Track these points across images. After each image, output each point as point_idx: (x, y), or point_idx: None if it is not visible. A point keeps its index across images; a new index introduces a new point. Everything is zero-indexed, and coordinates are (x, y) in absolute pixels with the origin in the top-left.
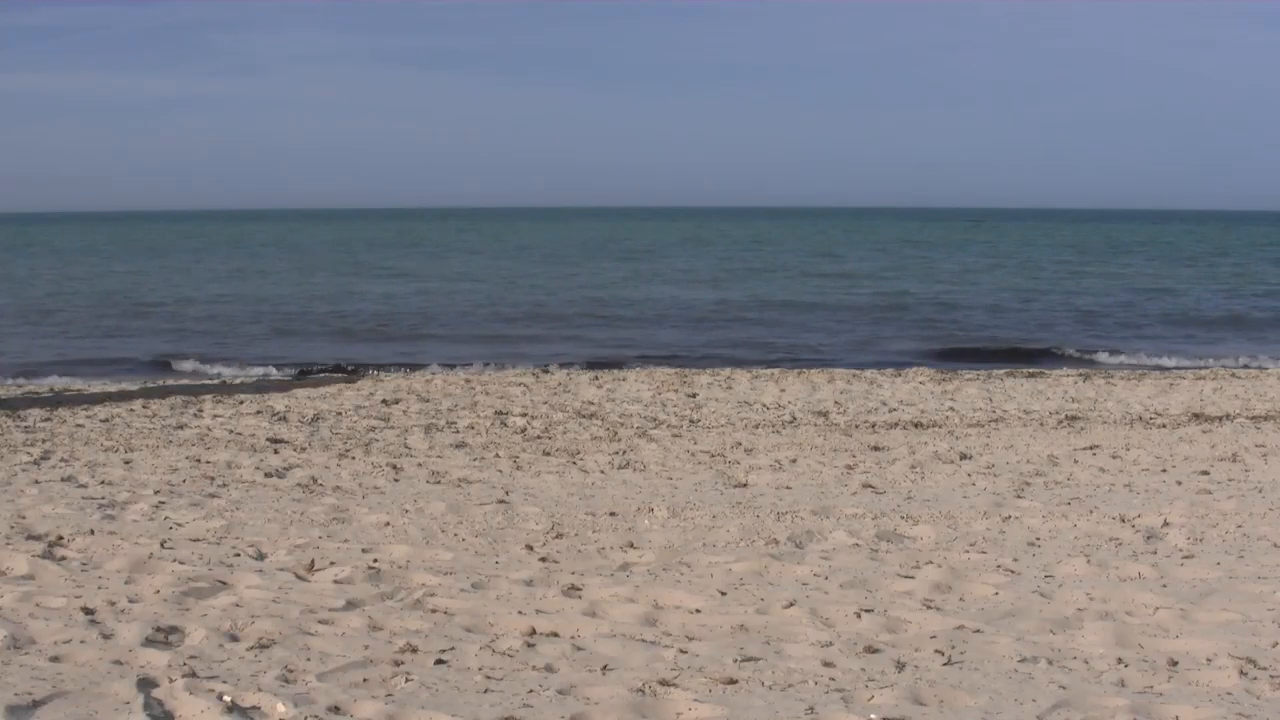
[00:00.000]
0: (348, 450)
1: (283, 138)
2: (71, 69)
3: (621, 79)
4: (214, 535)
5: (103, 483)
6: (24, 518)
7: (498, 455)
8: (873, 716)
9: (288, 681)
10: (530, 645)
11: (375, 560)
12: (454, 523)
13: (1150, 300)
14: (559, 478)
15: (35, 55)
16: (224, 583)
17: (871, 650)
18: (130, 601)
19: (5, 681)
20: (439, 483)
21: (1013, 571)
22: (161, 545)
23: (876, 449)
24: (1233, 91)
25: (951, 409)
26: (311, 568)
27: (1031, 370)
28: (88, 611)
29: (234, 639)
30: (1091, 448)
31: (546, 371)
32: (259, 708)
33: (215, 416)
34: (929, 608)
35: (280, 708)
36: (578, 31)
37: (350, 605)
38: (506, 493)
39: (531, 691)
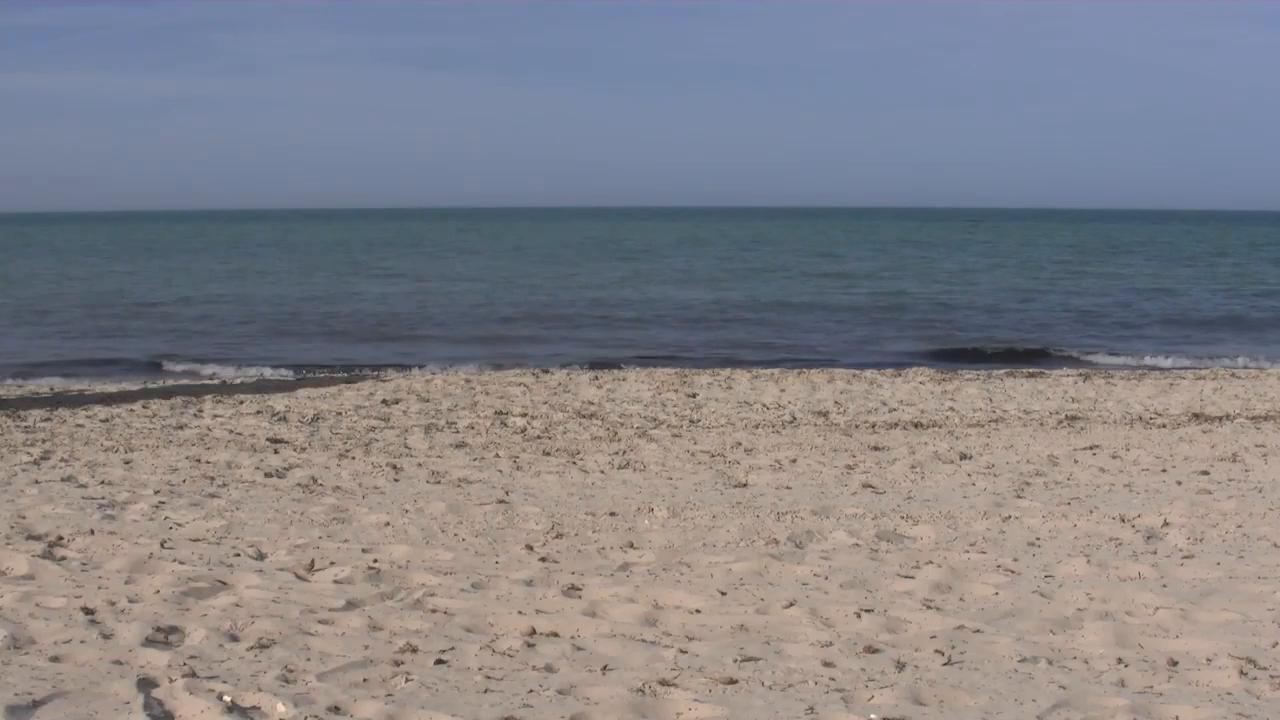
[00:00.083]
0: (348, 450)
1: (283, 138)
2: (71, 69)
3: (621, 79)
4: (214, 535)
5: (103, 483)
6: (24, 518)
7: (498, 455)
8: (873, 716)
9: (288, 681)
10: (530, 645)
11: (375, 560)
12: (454, 523)
13: (1149, 301)
14: (559, 478)
15: (35, 55)
16: (224, 583)
17: (871, 650)
18: (130, 601)
19: (5, 681)
20: (439, 483)
21: (1013, 571)
22: (161, 545)
23: (876, 449)
24: (1233, 91)
25: (951, 409)
26: (311, 568)
27: (1031, 370)
28: (88, 611)
29: (234, 639)
30: (1091, 448)
31: (546, 372)
32: (259, 708)
33: (215, 416)
34: (929, 608)
35: (280, 708)
36: (578, 31)
37: (350, 605)
38: (506, 493)
39: (531, 691)
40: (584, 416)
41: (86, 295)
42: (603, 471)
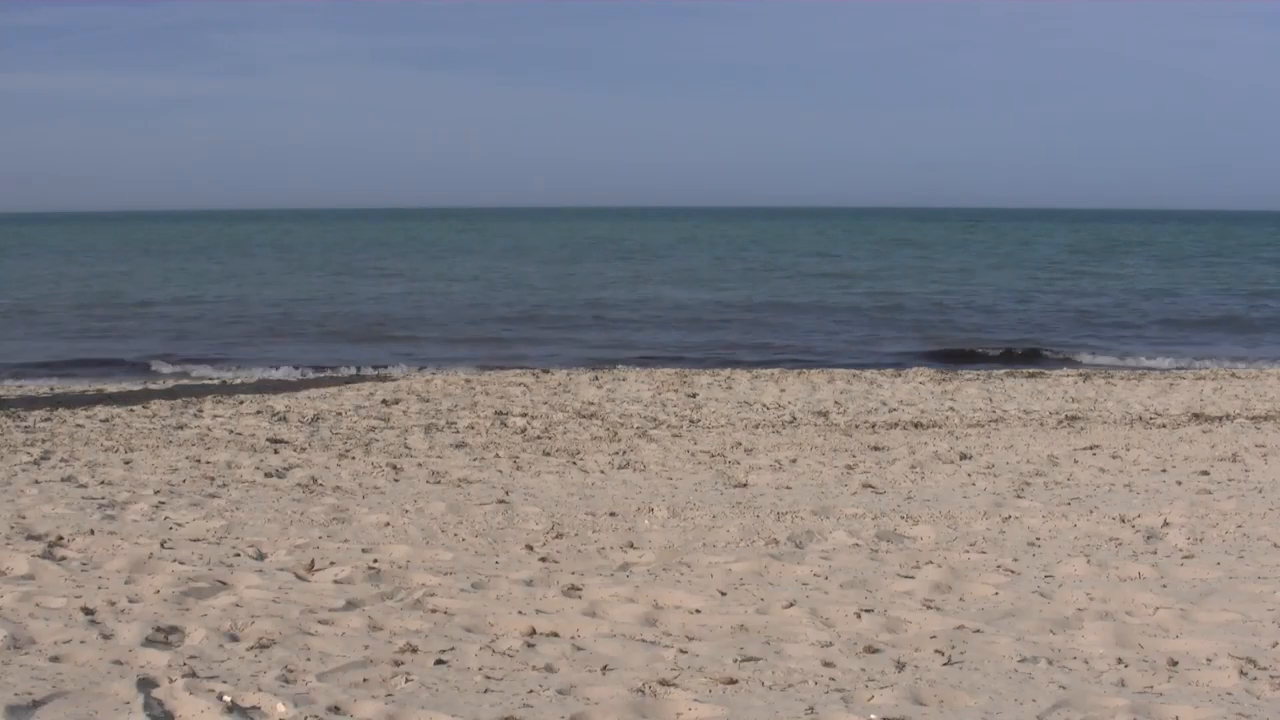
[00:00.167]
0: (348, 450)
1: (283, 138)
2: (71, 69)
3: (621, 79)
4: (214, 535)
5: (103, 483)
6: (24, 518)
7: (498, 455)
8: (873, 716)
9: (288, 681)
10: (530, 645)
11: (375, 560)
12: (454, 523)
13: (1148, 301)
14: (559, 478)
15: (35, 55)
16: (224, 583)
17: (871, 650)
18: (130, 601)
19: (5, 681)
20: (439, 483)
21: (1013, 571)
22: (161, 545)
23: (876, 449)
24: (1233, 91)
25: (951, 409)
26: (311, 568)
27: (1031, 370)
28: (88, 611)
29: (234, 639)
30: (1091, 448)
31: (546, 372)
32: (259, 708)
33: (215, 416)
34: (929, 608)
35: (280, 708)
36: (578, 31)
37: (350, 605)
38: (506, 493)
39: (531, 691)
40: (584, 416)
41: (85, 295)
42: (603, 471)
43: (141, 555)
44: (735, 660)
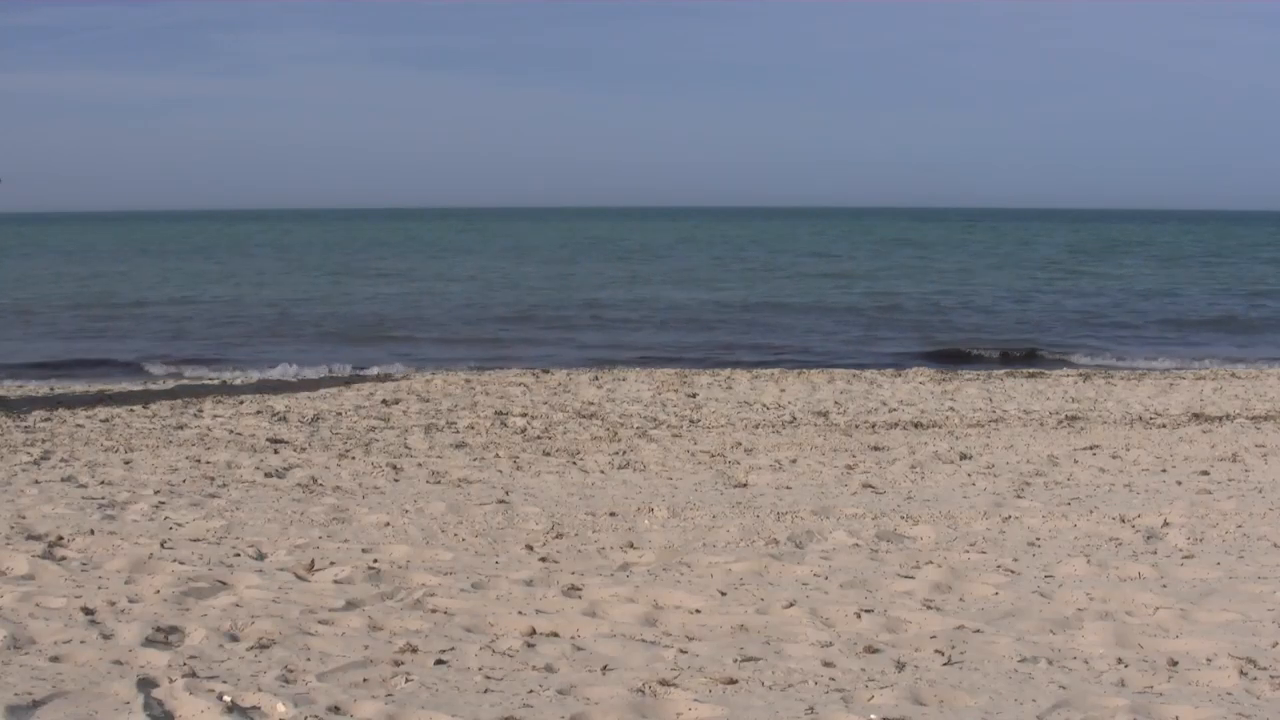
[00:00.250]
0: (348, 450)
1: (283, 138)
2: (71, 69)
3: (621, 79)
4: (214, 535)
5: (103, 483)
6: (24, 518)
7: (498, 455)
8: (873, 716)
9: (288, 681)
10: (530, 645)
11: (375, 560)
12: (454, 523)
13: (1147, 301)
14: (559, 478)
15: (35, 55)
16: (224, 583)
17: (871, 650)
18: (130, 601)
19: (5, 681)
20: (439, 483)
21: (1013, 571)
22: (161, 545)
23: (876, 449)
24: (1233, 91)
25: (951, 409)
26: (311, 568)
27: (1031, 370)
28: (88, 611)
29: (234, 639)
30: (1091, 448)
31: (546, 372)
32: (259, 708)
33: (215, 416)
34: (929, 608)
35: (280, 708)
36: (578, 31)
37: (350, 605)
38: (506, 493)
39: (531, 691)
40: (584, 416)
41: (83, 296)
42: (603, 471)
43: (141, 555)
44: (735, 660)
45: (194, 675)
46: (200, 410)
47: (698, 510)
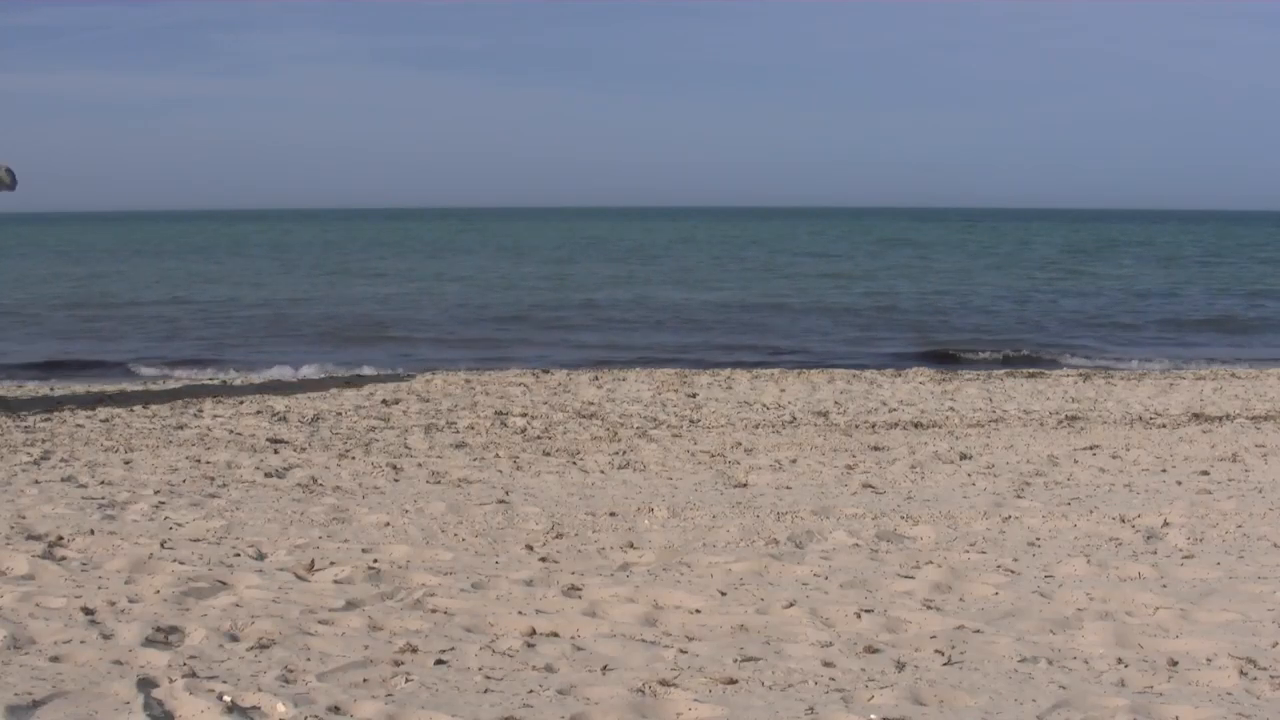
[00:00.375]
0: (348, 450)
1: (283, 138)
2: (71, 69)
3: (621, 79)
4: (214, 535)
5: (103, 483)
6: (24, 518)
7: (498, 455)
8: (873, 716)
9: (288, 681)
10: (530, 645)
11: (375, 560)
12: (454, 523)
13: (1146, 301)
14: (559, 478)
15: (35, 55)
16: (224, 583)
17: (871, 650)
18: (130, 601)
19: (5, 681)
20: (439, 483)
21: (1013, 571)
22: (161, 545)
23: (876, 449)
24: (1233, 91)
25: (951, 409)
26: (311, 568)
27: (1031, 370)
28: (88, 611)
29: (234, 639)
30: (1091, 448)
31: (546, 372)
32: (259, 708)
33: (215, 416)
34: (929, 608)
35: (280, 708)
36: (578, 31)
37: (350, 605)
38: (506, 493)
39: (531, 691)
40: (584, 416)
41: (80, 296)
42: (603, 471)
43: (141, 555)
44: (735, 660)
45: (194, 675)
46: (200, 410)
47: (698, 510)
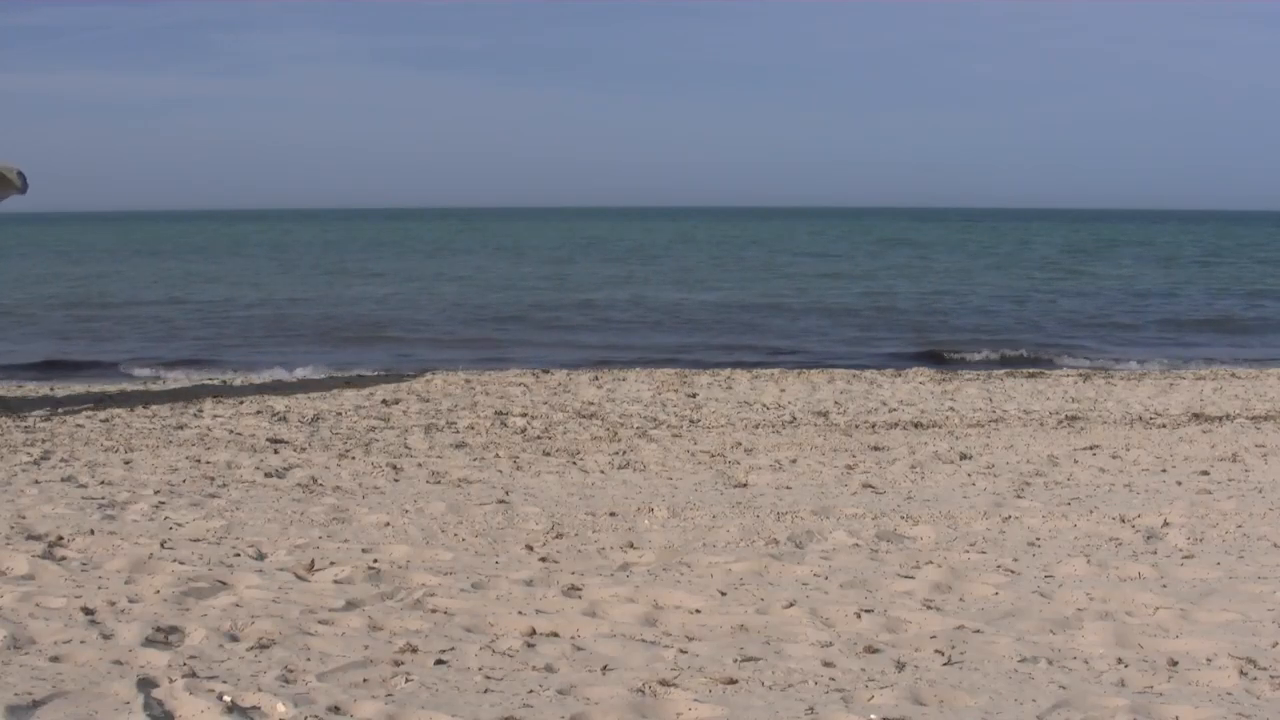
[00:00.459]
0: (348, 450)
1: (283, 138)
2: (71, 69)
3: (621, 79)
4: (214, 535)
5: (103, 483)
6: (24, 518)
7: (498, 455)
8: (873, 716)
9: (288, 681)
10: (530, 645)
11: (375, 560)
12: (454, 523)
13: (1146, 301)
14: (559, 478)
15: (35, 55)
16: (224, 583)
17: (871, 650)
18: (130, 601)
19: (5, 681)
20: (439, 483)
21: (1013, 571)
22: (161, 545)
23: (876, 449)
24: (1233, 91)
25: (951, 409)
26: (311, 568)
27: (1031, 370)
28: (88, 611)
29: (234, 639)
30: (1091, 448)
31: (546, 372)
32: (259, 708)
33: (215, 416)
34: (929, 608)
35: (280, 708)
36: (578, 31)
37: (350, 605)
38: (506, 493)
39: (531, 691)
40: (584, 416)
41: (79, 296)
42: (603, 471)
43: (141, 555)
44: (735, 660)
45: (194, 675)
46: (200, 410)
47: (698, 510)
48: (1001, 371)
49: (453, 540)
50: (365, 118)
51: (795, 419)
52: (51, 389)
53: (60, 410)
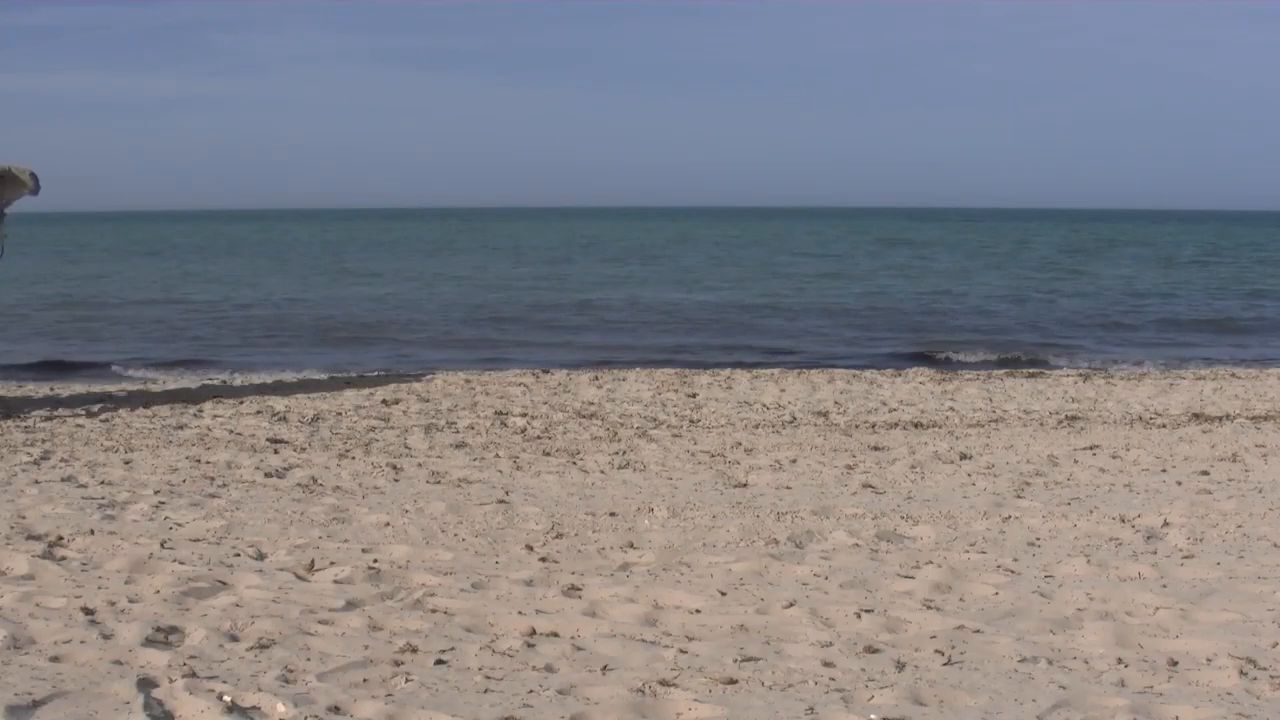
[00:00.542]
0: (348, 450)
1: (283, 138)
2: (71, 69)
3: (621, 79)
4: (214, 535)
5: (103, 483)
6: (24, 518)
7: (498, 455)
8: (873, 716)
9: (288, 681)
10: (530, 645)
11: (375, 560)
12: (454, 523)
13: (1145, 301)
14: (559, 478)
15: (35, 55)
16: (224, 583)
17: (871, 650)
18: (130, 601)
19: (5, 681)
20: (439, 483)
21: (1013, 571)
22: (161, 545)
23: (876, 449)
24: (1233, 91)
25: (951, 409)
26: (311, 568)
27: (1031, 370)
28: (88, 611)
29: (234, 639)
30: (1091, 448)
31: (546, 372)
32: (259, 708)
33: (215, 416)
34: (929, 608)
35: (280, 708)
36: (578, 31)
37: (350, 605)
38: (506, 493)
39: (531, 691)
40: (584, 416)
41: (78, 297)
42: (603, 471)
43: (141, 555)
44: (735, 660)
45: (194, 675)
46: (200, 410)
47: (698, 510)
48: (1001, 371)
49: (453, 540)
50: (365, 118)
51: (795, 419)
52: (51, 389)
53: (60, 410)
